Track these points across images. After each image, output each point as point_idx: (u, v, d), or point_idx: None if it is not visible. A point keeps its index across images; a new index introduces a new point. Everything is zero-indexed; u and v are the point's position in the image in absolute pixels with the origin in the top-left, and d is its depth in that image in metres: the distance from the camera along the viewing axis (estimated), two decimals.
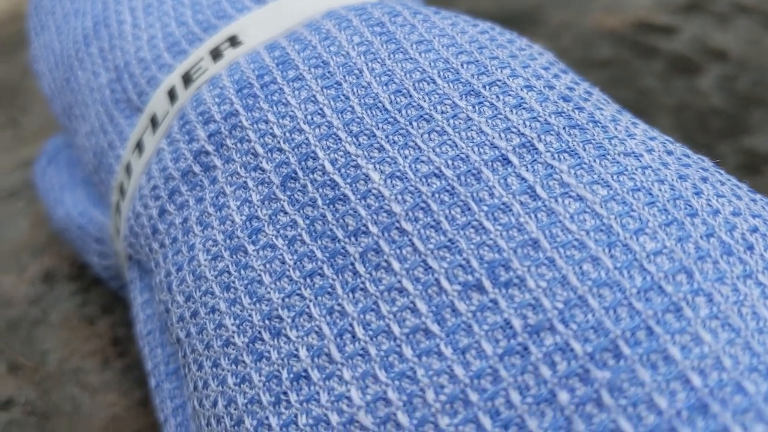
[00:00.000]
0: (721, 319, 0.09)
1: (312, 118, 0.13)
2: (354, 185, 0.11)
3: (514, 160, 0.11)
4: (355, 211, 0.11)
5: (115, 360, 0.24)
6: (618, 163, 0.11)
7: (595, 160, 0.11)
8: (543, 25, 0.51)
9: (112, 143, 0.18)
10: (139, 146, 0.17)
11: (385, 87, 0.12)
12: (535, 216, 0.10)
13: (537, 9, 0.52)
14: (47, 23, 0.23)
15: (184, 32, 0.18)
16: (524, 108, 0.12)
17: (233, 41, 0.16)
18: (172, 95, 0.16)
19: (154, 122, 0.17)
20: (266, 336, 0.11)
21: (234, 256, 0.12)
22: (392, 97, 0.12)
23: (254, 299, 0.12)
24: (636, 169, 0.11)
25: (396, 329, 0.10)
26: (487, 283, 0.10)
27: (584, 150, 0.11)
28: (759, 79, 0.45)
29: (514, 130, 0.11)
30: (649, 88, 0.44)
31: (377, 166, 0.11)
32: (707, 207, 0.10)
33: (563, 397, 0.09)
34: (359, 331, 0.10)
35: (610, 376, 0.09)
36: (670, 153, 0.12)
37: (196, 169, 0.14)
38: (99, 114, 0.19)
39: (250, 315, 0.12)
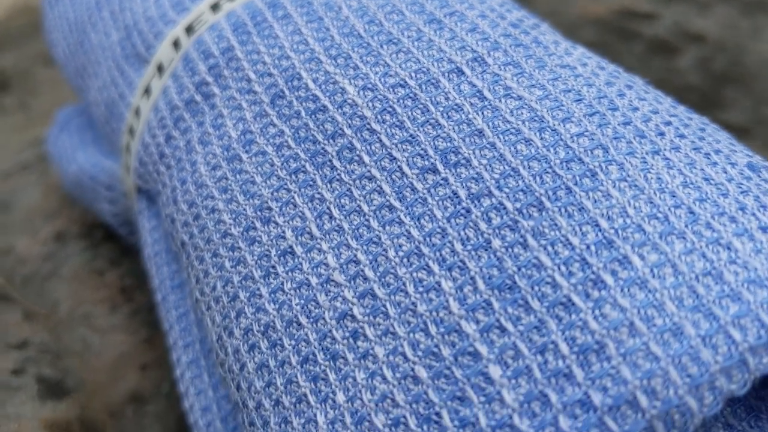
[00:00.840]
0: (629, 181, 0.11)
1: (297, 47, 0.15)
2: (332, 97, 0.13)
3: (467, 71, 0.13)
4: (333, 118, 0.13)
5: (123, 305, 0.26)
6: (554, 72, 0.13)
7: (534, 70, 0.13)
8: (530, 11, 0.53)
9: (122, 93, 0.20)
10: (147, 91, 0.19)
11: (360, 19, 0.14)
12: (482, 113, 0.12)
13: None
14: None
15: None
16: (477, 32, 0.14)
17: None
18: (176, 45, 0.19)
19: (160, 69, 0.19)
20: (258, 224, 0.13)
21: (231, 164, 0.14)
22: (366, 26, 0.14)
23: (248, 196, 0.14)
24: (569, 77, 0.13)
25: (365, 207, 0.12)
26: (440, 166, 0.12)
27: (526, 63, 0.13)
28: (734, 60, 0.47)
29: (468, 48, 0.13)
30: (629, 67, 0.46)
31: (352, 81, 0.13)
32: (628, 104, 0.12)
33: (496, 243, 0.11)
34: (335, 212, 0.12)
35: (533, 224, 0.11)
36: (602, 68, 0.14)
37: (198, 98, 0.16)
38: (110, 69, 0.21)
39: (244, 209, 0.14)
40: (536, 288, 0.10)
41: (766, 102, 0.42)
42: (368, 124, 0.13)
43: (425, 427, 0.10)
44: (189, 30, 0.18)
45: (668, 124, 0.12)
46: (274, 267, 0.13)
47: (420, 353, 0.10)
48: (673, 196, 0.11)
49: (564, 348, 0.09)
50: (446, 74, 0.13)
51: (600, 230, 0.10)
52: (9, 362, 0.24)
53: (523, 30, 0.14)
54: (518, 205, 0.11)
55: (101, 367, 0.24)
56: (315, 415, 0.11)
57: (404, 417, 0.10)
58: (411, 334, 0.11)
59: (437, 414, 0.10)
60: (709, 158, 0.12)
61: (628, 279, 0.10)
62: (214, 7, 0.18)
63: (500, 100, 0.12)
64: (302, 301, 0.12)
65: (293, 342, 0.12)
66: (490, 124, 0.12)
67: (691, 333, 0.09)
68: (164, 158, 0.16)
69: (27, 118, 0.41)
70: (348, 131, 0.13)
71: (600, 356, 0.09)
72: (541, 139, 0.12)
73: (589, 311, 0.10)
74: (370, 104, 0.13)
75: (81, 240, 0.30)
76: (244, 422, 0.13)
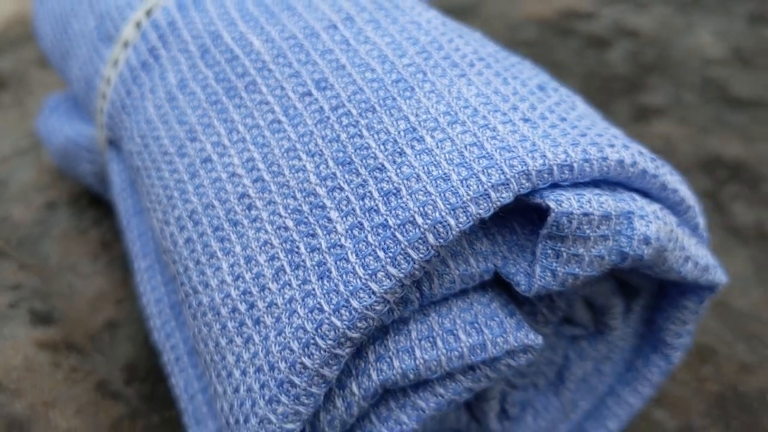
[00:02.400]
0: (436, 92, 0.15)
1: (221, 15, 0.19)
2: (243, 48, 0.18)
3: (340, 26, 0.18)
4: (243, 63, 0.18)
5: (103, 255, 0.31)
6: (403, 26, 0.18)
7: (389, 25, 0.18)
8: (480, 15, 0.58)
9: (97, 67, 0.25)
10: (115, 63, 0.24)
11: (277, 4, 0.19)
12: (346, 54, 0.17)
13: (477, 2, 0.59)
14: None
15: None
16: (350, 0, 0.19)
17: None
18: (138, 25, 0.23)
19: (126, 45, 0.23)
20: (188, 142, 0.18)
21: (170, 103, 0.19)
22: (275, 5, 0.19)
23: (181, 123, 0.18)
24: (413, 29, 0.18)
25: (261, 123, 0.17)
26: (314, 90, 0.17)
27: (384, 20, 0.18)
28: (662, 52, 0.52)
29: (343, 10, 0.18)
30: (563, 60, 0.51)
31: (258, 36, 0.18)
32: (453, 47, 0.17)
33: (343, 136, 0.15)
34: (241, 128, 0.17)
35: (367, 122, 0.15)
36: (444, 24, 0.18)
37: (150, 59, 0.21)
38: (88, 49, 0.26)
39: (178, 133, 0.18)
40: (364, 161, 0.15)
41: (685, 87, 0.47)
42: (267, 65, 0.18)
43: (290, 257, 0.15)
44: (148, 13, 0.23)
45: (481, 59, 0.17)
46: (197, 170, 0.17)
47: (290, 211, 0.15)
48: (466, 101, 0.15)
49: (375, 194, 0.14)
50: (325, 29, 0.18)
51: (408, 122, 0.15)
52: (6, 299, 0.28)
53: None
54: (359, 110, 0.16)
55: (83, 302, 0.28)
56: (221, 264, 0.16)
57: (277, 253, 0.15)
58: (285, 200, 0.15)
59: (297, 247, 0.15)
60: (505, 81, 0.16)
61: (421, 150, 0.14)
62: None
63: (360, 45, 0.17)
64: (215, 191, 0.17)
65: (208, 219, 0.17)
66: (350, 61, 0.17)
67: (454, 178, 0.14)
68: (125, 108, 0.21)
69: (22, 113, 0.46)
70: (252, 71, 0.18)
71: (396, 196, 0.14)
72: (382, 68, 0.16)
73: (393, 170, 0.14)
74: (269, 51, 0.18)
75: (69, 207, 0.34)
76: (177, 284, 0.17)
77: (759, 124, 0.43)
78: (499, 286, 0.16)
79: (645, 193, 0.16)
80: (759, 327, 0.28)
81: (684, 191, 0.16)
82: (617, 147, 0.15)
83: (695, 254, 0.16)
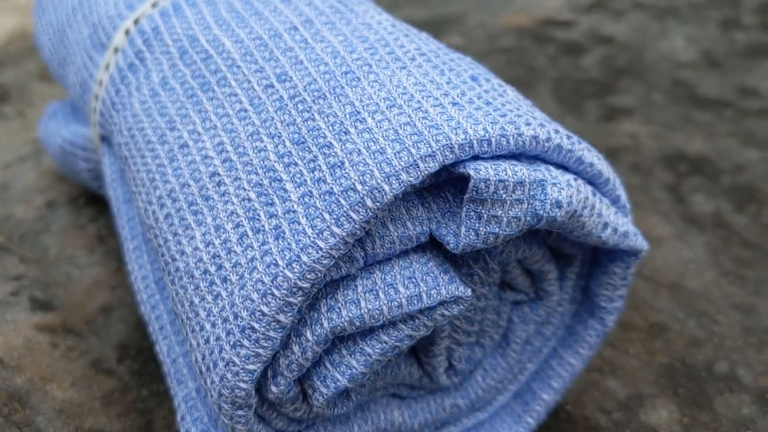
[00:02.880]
0: (379, 81, 0.18)
1: (198, 21, 0.22)
2: (216, 48, 0.21)
3: (300, 28, 0.20)
4: (215, 62, 0.20)
5: (99, 248, 0.33)
6: (355, 27, 0.20)
7: (343, 26, 0.20)
8: (462, 25, 0.60)
9: (91, 72, 0.27)
10: (107, 67, 0.26)
11: (240, 1, 0.22)
12: (304, 51, 0.19)
13: (460, 14, 0.61)
14: (47, 8, 0.33)
15: None
16: (312, 5, 0.21)
17: None
18: (127, 33, 0.26)
19: (116, 51, 0.26)
20: (167, 132, 0.20)
21: (153, 99, 0.21)
22: (243, 5, 0.22)
23: (162, 115, 0.21)
24: (364, 30, 0.20)
25: (230, 111, 0.19)
26: (275, 83, 0.19)
27: (339, 22, 0.20)
28: (635, 56, 0.55)
29: (303, 14, 0.21)
30: (538, 65, 0.53)
31: (229, 37, 0.21)
32: (398, 44, 0.20)
33: (298, 119, 0.18)
34: (213, 117, 0.20)
35: (319, 107, 0.18)
36: (394, 26, 0.21)
37: (136, 61, 0.23)
38: (83, 56, 0.28)
39: (159, 124, 0.21)
40: (315, 140, 0.17)
41: (655, 89, 0.50)
42: (236, 62, 0.20)
43: (252, 223, 0.17)
44: (136, 22, 0.26)
45: (423, 54, 0.19)
46: (176, 155, 0.20)
47: (252, 185, 0.17)
48: (404, 89, 0.18)
49: (323, 167, 0.16)
50: (287, 30, 0.20)
51: (353, 106, 0.17)
52: (7, 287, 0.31)
53: (344, 3, 0.21)
54: (313, 97, 0.18)
55: (80, 290, 0.31)
56: (195, 233, 0.18)
57: (241, 221, 0.17)
58: (248, 176, 0.18)
59: (258, 214, 0.17)
60: (442, 72, 0.19)
61: (363, 129, 0.17)
62: (155, 4, 0.26)
63: (316, 43, 0.20)
64: (190, 171, 0.19)
65: (185, 196, 0.19)
66: (307, 56, 0.19)
67: (389, 151, 0.16)
68: (115, 105, 0.24)
69: (24, 123, 0.48)
70: (223, 68, 0.20)
71: (341, 168, 0.16)
72: (334, 61, 0.19)
73: (338, 146, 0.17)
74: (239, 50, 0.20)
75: (67, 206, 0.37)
76: (158, 256, 0.20)
77: (723, 121, 0.45)
78: (436, 248, 0.18)
79: (564, 167, 0.18)
80: (709, 306, 0.30)
81: (600, 165, 0.18)
82: (533, 125, 0.17)
83: (614, 221, 0.19)
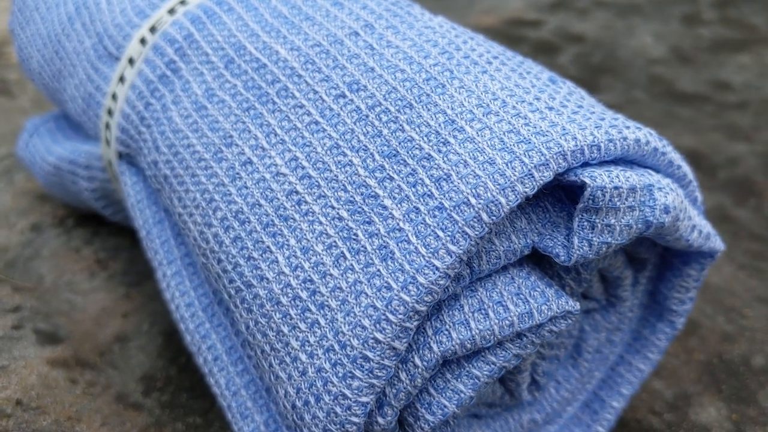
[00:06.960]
0: (465, 87, 0.17)
1: (240, 28, 0.20)
2: (269, 57, 0.19)
3: (361, 33, 0.19)
4: (272, 71, 0.19)
5: (100, 272, 0.31)
6: (419, 30, 0.19)
7: (406, 30, 0.19)
8: None
9: (98, 85, 0.25)
10: (121, 79, 0.24)
11: (285, 5, 0.20)
12: (372, 57, 0.18)
13: None
14: (32, 17, 0.30)
15: (146, 3, 0.25)
16: (367, 8, 0.20)
17: (182, 2, 0.24)
18: (143, 41, 0.24)
19: (131, 62, 0.24)
20: (224, 148, 0.19)
21: (199, 112, 0.20)
22: (289, 10, 0.20)
23: (214, 130, 0.19)
24: (429, 33, 0.19)
25: (299, 125, 0.18)
26: (347, 92, 0.18)
27: (401, 25, 0.19)
28: (610, 54, 0.55)
29: (361, 19, 0.19)
30: None
31: (282, 45, 0.19)
32: (469, 47, 0.19)
33: (385, 131, 0.17)
34: (279, 131, 0.18)
35: (407, 117, 0.17)
36: (454, 28, 0.20)
37: (168, 72, 0.21)
38: (85, 69, 0.26)
39: (212, 140, 0.19)
40: (410, 152, 0.16)
41: (635, 86, 0.50)
42: (296, 71, 0.19)
43: (349, 244, 0.16)
44: (152, 29, 0.24)
45: (496, 57, 0.19)
46: (238, 173, 0.18)
47: (342, 203, 0.16)
48: (493, 94, 0.17)
49: (427, 181, 0.15)
50: (347, 35, 0.19)
51: (446, 115, 0.16)
52: (8, 321, 0.28)
53: (399, 6, 0.20)
54: (397, 107, 0.17)
55: (87, 319, 0.29)
56: (276, 257, 0.17)
57: (335, 242, 0.16)
58: (335, 193, 0.16)
59: (355, 234, 0.16)
60: (521, 75, 0.18)
61: (463, 139, 0.16)
62: (171, 11, 0.24)
63: (384, 49, 0.18)
64: (260, 190, 0.18)
65: (256, 217, 0.17)
66: (378, 63, 0.18)
67: (499, 161, 0.15)
68: (144, 120, 0.22)
69: None
70: (283, 78, 0.19)
71: (447, 181, 0.15)
72: (410, 68, 0.18)
73: (440, 159, 0.16)
74: (297, 59, 0.19)
75: (55, 228, 0.34)
76: (223, 284, 0.18)
77: (705, 116, 0.46)
78: (531, 261, 0.17)
79: (655, 170, 0.17)
80: (734, 300, 0.31)
81: (686, 167, 0.18)
82: (632, 128, 0.16)
83: (699, 223, 0.18)
